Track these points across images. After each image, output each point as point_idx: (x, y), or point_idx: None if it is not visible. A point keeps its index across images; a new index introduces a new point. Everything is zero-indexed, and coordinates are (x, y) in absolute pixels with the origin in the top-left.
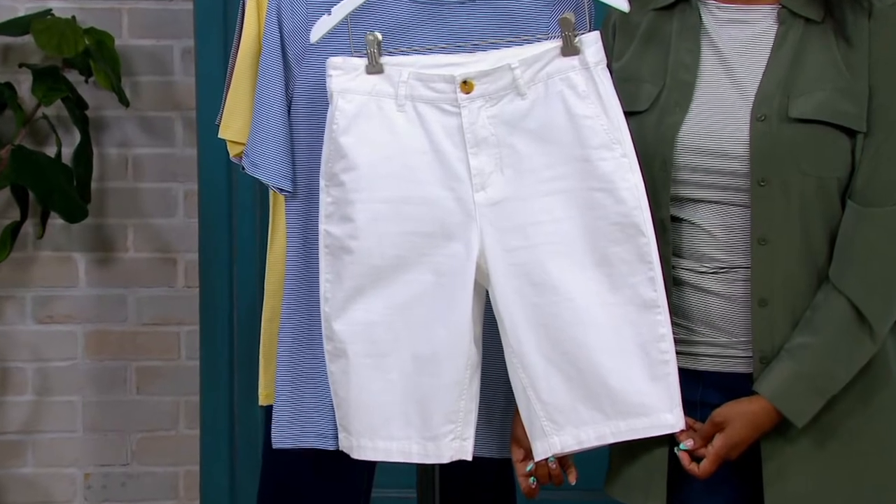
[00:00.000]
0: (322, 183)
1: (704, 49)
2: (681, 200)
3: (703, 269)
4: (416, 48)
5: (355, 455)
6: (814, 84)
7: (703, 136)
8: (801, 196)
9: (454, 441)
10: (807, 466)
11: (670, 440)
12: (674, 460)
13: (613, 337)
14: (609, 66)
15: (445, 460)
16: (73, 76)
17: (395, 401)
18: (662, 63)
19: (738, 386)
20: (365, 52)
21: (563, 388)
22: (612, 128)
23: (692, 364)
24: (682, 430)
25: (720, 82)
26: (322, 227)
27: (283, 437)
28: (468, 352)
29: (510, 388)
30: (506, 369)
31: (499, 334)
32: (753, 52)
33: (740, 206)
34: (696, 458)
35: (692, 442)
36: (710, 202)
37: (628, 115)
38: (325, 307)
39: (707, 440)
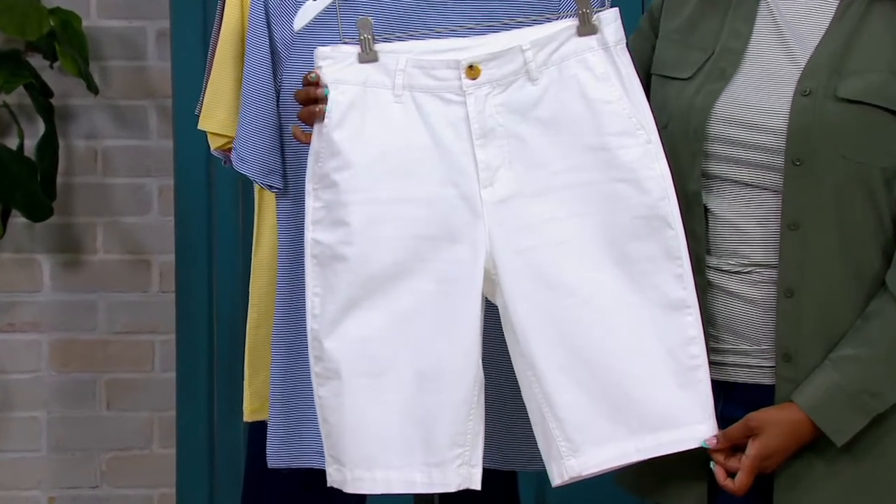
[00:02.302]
0: (309, 186)
1: (761, 17)
2: (710, 178)
3: (728, 268)
4: (415, 33)
5: (350, 489)
6: (869, 63)
7: (740, 106)
8: (838, 181)
9: (462, 467)
10: (824, 484)
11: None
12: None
13: (637, 342)
14: (656, 29)
15: (453, 489)
16: (36, 61)
17: (394, 424)
18: (716, 30)
19: (760, 399)
20: (357, 38)
21: (582, 403)
22: (635, 111)
23: (719, 375)
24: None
25: (771, 52)
26: (309, 235)
27: (279, 456)
28: (476, 366)
29: (510, 393)
30: (504, 375)
31: (491, 340)
32: (811, 23)
33: (771, 190)
34: (730, 474)
35: (721, 452)
36: (739, 183)
37: (670, 80)
38: (313, 324)
39: (735, 443)
